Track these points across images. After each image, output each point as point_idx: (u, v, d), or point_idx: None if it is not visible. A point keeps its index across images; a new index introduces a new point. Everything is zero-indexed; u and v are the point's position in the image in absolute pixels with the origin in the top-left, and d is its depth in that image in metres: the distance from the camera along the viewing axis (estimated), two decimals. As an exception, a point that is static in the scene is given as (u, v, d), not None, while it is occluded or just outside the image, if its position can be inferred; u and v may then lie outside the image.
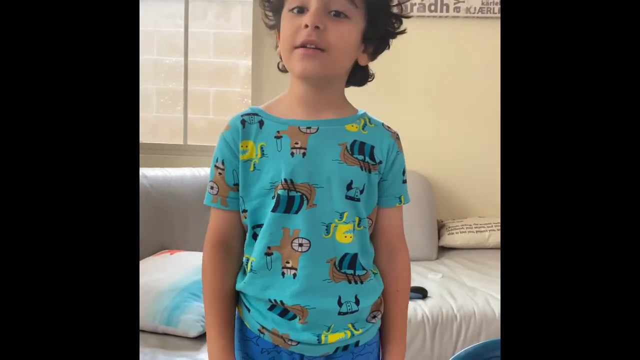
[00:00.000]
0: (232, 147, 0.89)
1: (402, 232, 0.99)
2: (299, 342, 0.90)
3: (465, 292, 2.05)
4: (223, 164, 0.91)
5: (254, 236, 0.91)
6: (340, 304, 0.90)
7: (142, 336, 1.61)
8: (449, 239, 2.56)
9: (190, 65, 3.04)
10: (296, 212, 0.87)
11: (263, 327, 0.91)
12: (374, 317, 0.95)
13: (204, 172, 2.21)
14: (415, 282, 2.10)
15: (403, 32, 0.92)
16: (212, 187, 0.92)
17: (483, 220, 2.61)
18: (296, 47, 0.85)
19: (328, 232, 0.88)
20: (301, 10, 0.86)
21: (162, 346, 1.59)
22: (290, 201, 0.87)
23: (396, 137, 0.95)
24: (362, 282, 0.91)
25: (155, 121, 3.19)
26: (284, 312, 0.89)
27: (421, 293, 2.00)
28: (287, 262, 0.88)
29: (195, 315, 1.66)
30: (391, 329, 0.97)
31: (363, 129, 0.92)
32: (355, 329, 0.92)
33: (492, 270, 2.28)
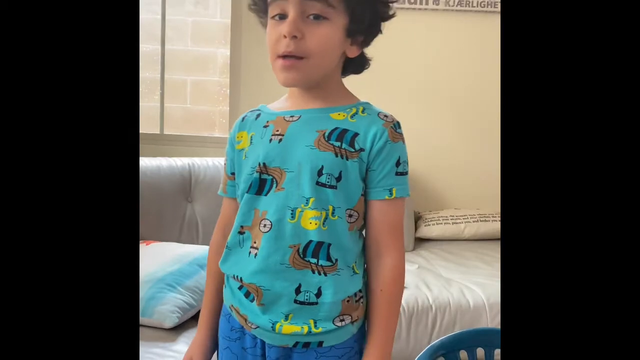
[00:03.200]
0: (232, 140, 0.98)
1: (395, 228, 0.92)
2: (258, 326, 0.91)
3: (441, 283, 2.08)
4: (226, 155, 1.00)
5: None
6: (298, 291, 0.88)
7: (116, 327, 1.59)
8: (425, 230, 2.58)
9: (167, 53, 2.99)
10: (266, 194, 0.90)
11: (232, 305, 0.95)
12: (342, 320, 0.90)
13: (180, 162, 2.18)
14: (392, 273, 2.11)
15: (393, 16, 0.92)
16: (222, 178, 1.03)
17: (459, 212, 2.64)
18: (278, 57, 0.87)
19: (293, 217, 0.88)
20: (282, 17, 0.87)
21: (137, 337, 1.57)
22: (262, 183, 0.91)
23: (391, 125, 0.91)
24: (325, 274, 0.88)
25: (131, 110, 3.14)
26: (247, 293, 0.92)
27: (397, 284, 2.01)
28: (255, 242, 0.91)
29: (171, 306, 1.64)
30: (371, 332, 0.92)
31: (352, 117, 0.91)
32: (315, 326, 0.89)
33: (467, 262, 2.31)
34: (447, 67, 2.71)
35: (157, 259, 1.80)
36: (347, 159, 0.88)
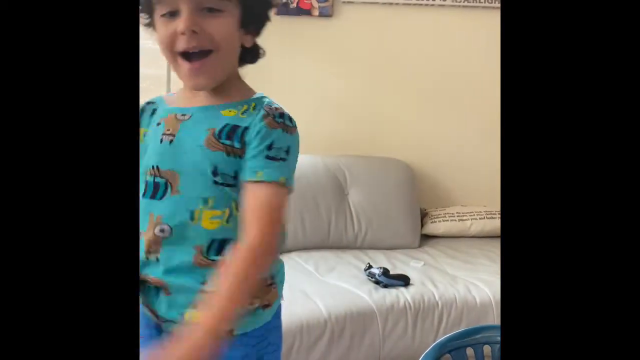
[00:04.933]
0: None
1: (261, 208, 0.84)
2: (167, 320, 0.91)
3: (447, 280, 2.07)
4: None
5: None
6: (204, 283, 0.87)
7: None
8: (431, 227, 2.58)
9: (173, 49, 2.99)
10: (160, 199, 0.89)
11: (142, 303, 0.94)
12: (251, 303, 0.89)
13: (186, 158, 2.18)
14: (398, 269, 2.11)
15: (280, 3, 0.93)
16: None
17: (465, 209, 2.63)
18: (180, 54, 0.86)
19: (193, 219, 0.87)
20: (173, 14, 0.85)
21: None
22: (156, 187, 0.89)
23: (272, 114, 0.87)
24: None
25: (137, 106, 3.14)
26: (155, 289, 0.91)
27: (403, 280, 2.01)
28: (151, 247, 0.90)
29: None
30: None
31: (242, 113, 0.89)
32: None
33: (473, 259, 2.30)
34: (453, 64, 2.70)
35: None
36: (241, 157, 0.86)
